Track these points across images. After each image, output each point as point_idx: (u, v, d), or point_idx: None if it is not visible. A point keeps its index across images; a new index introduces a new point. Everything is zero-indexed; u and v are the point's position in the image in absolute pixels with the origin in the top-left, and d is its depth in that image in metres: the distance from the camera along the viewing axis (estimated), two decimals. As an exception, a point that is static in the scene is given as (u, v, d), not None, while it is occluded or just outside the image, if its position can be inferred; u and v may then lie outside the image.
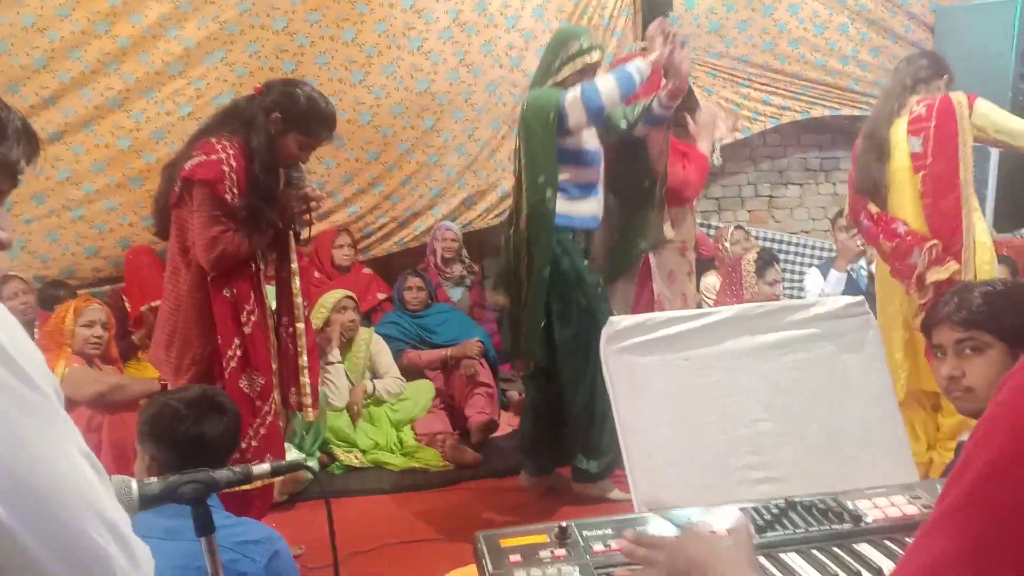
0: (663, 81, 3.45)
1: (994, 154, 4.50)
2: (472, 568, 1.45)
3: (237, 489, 1.46)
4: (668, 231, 3.69)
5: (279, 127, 2.63)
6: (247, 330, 2.62)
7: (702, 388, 1.88)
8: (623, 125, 3.46)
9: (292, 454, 3.48)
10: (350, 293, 4.38)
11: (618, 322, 1.93)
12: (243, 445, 2.56)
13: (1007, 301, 1.73)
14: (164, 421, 1.84)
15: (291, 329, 2.78)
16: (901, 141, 3.24)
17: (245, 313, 2.62)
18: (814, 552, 1.41)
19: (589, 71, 3.29)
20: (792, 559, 1.40)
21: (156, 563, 0.92)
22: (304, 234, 2.86)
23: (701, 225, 5.32)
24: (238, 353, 2.61)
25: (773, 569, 1.36)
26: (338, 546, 1.48)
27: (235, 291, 2.61)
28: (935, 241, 3.14)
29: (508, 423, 4.53)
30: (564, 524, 1.43)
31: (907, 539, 1.42)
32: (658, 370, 1.89)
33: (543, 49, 5.09)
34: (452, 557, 2.68)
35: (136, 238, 4.71)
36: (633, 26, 5.51)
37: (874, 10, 5.68)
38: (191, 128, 2.93)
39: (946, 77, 3.33)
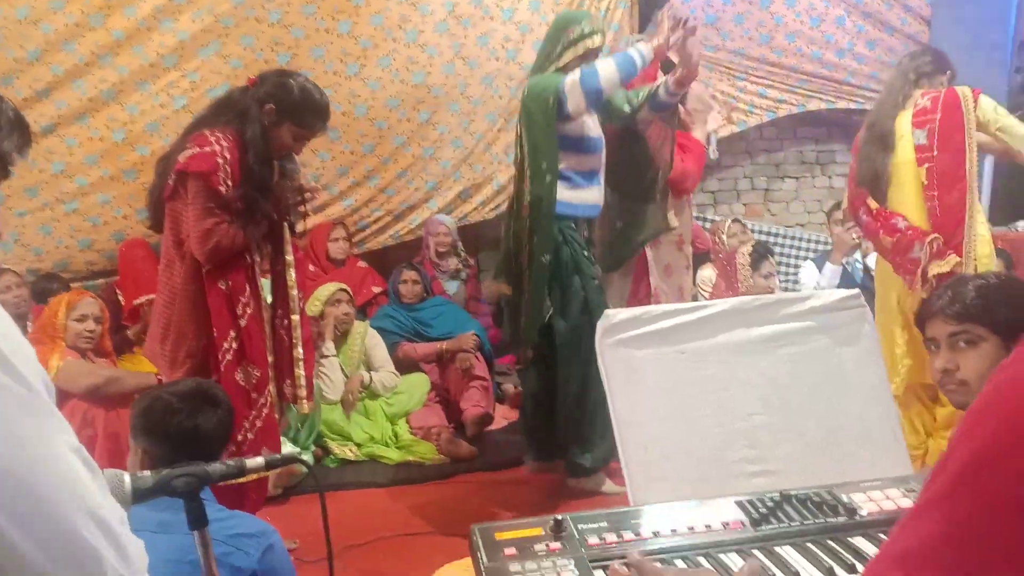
0: (658, 71, 3.44)
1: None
2: (467, 561, 1.45)
3: (231, 482, 1.46)
4: (672, 219, 3.68)
5: (273, 118, 2.62)
6: (243, 323, 2.61)
7: (698, 381, 1.88)
8: (626, 109, 3.43)
9: (287, 447, 3.48)
10: (344, 286, 4.38)
11: (614, 315, 1.92)
12: (239, 438, 2.56)
13: (1001, 294, 1.73)
14: (157, 414, 1.84)
15: (286, 321, 2.77)
16: (906, 134, 3.25)
17: (241, 305, 2.61)
18: (809, 545, 1.41)
19: (591, 56, 3.27)
20: (787, 552, 1.40)
21: (149, 557, 0.92)
22: (299, 226, 2.85)
23: (697, 218, 5.32)
24: (234, 346, 2.60)
25: (768, 562, 1.36)
26: (333, 539, 1.47)
27: (230, 283, 2.61)
28: (936, 235, 3.14)
29: (503, 416, 4.54)
30: (559, 517, 1.43)
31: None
32: (654, 363, 1.88)
33: (540, 42, 5.11)
34: (447, 550, 2.68)
35: (130, 231, 4.69)
36: (630, 19, 5.49)
37: (870, 3, 5.67)
38: (185, 121, 2.92)
39: (949, 73, 3.36)
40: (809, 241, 5.85)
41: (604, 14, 5.32)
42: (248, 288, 2.64)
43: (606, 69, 3.12)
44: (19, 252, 4.57)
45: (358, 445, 4.04)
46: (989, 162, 4.62)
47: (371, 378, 4.29)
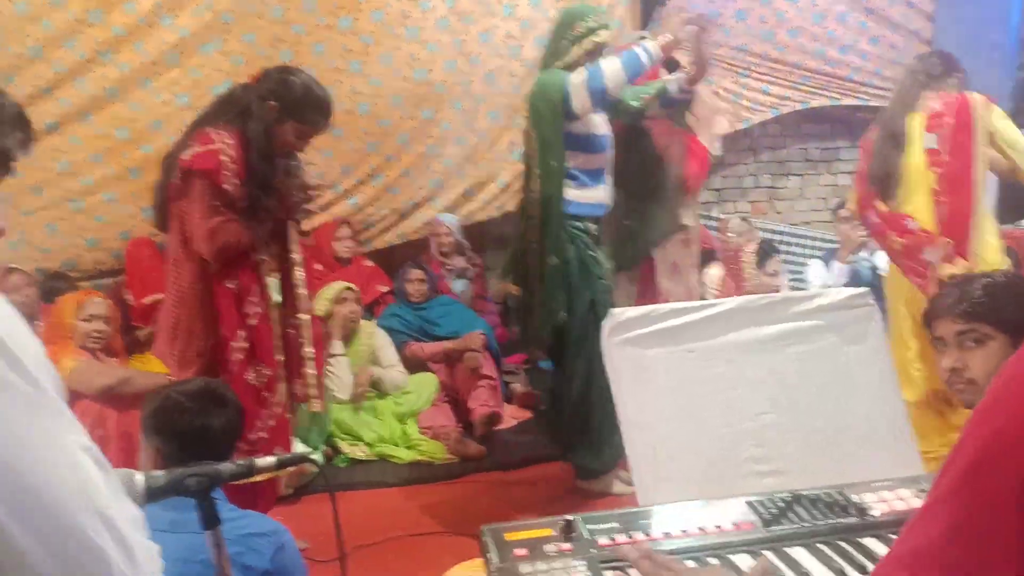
0: (660, 68, 3.43)
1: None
2: (478, 561, 1.45)
3: (244, 482, 1.46)
4: (685, 217, 3.68)
5: (275, 115, 2.62)
6: (252, 322, 2.62)
7: (706, 380, 1.88)
8: (636, 105, 3.40)
9: (297, 447, 3.48)
10: (351, 285, 4.38)
11: (620, 314, 1.92)
12: (252, 437, 2.56)
13: (1008, 293, 1.73)
14: (167, 413, 1.84)
15: (295, 320, 2.77)
16: (917, 136, 3.26)
17: (249, 305, 2.62)
18: (820, 546, 1.41)
19: (597, 51, 3.25)
20: (798, 553, 1.40)
21: (160, 555, 0.91)
22: (304, 225, 2.85)
23: (702, 217, 5.31)
24: (243, 345, 2.60)
25: (779, 563, 1.36)
26: (344, 539, 1.47)
27: (238, 283, 2.61)
28: (948, 240, 3.15)
29: (512, 415, 4.53)
30: (570, 518, 1.43)
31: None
32: (661, 362, 1.88)
33: (542, 37, 5.11)
34: (457, 550, 2.67)
35: (136, 229, 4.68)
36: (632, 15, 5.48)
37: (873, -1, 5.67)
38: (189, 118, 2.92)
39: (958, 75, 3.36)
40: (816, 239, 5.84)
41: (605, 10, 5.30)
42: (256, 287, 2.65)
43: (611, 68, 3.11)
44: (27, 251, 4.57)
45: (368, 445, 4.04)
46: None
47: (380, 373, 4.28)
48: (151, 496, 1.24)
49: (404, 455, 4.00)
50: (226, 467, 1.34)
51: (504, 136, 5.31)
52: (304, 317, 2.79)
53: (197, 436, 1.81)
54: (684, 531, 1.45)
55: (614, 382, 1.86)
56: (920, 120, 3.27)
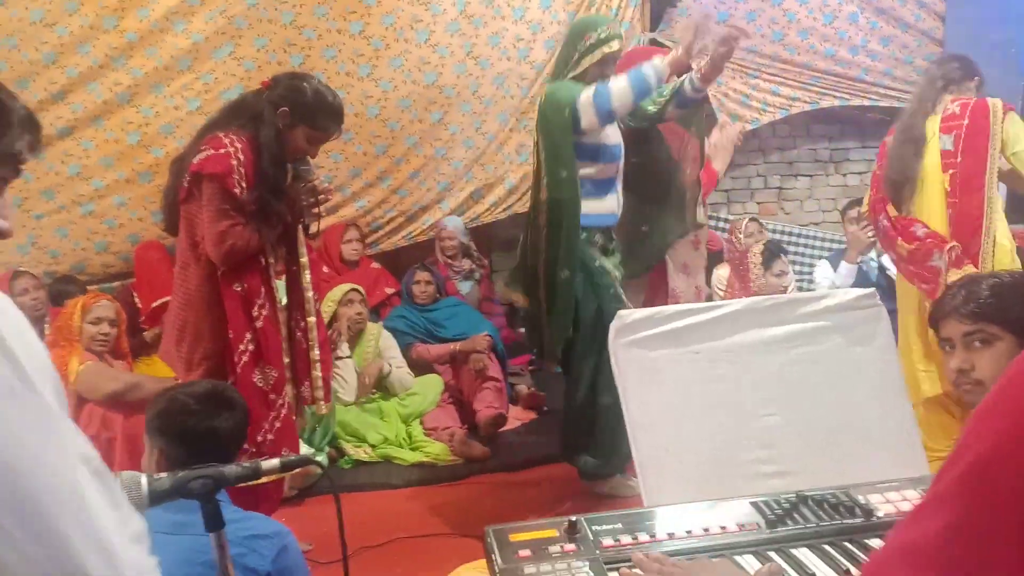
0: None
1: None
2: (482, 562, 1.45)
3: (248, 484, 1.46)
4: (701, 215, 3.68)
5: (287, 121, 2.63)
6: (259, 324, 2.62)
7: (712, 381, 1.88)
8: (652, 110, 3.38)
9: (302, 449, 3.49)
10: (357, 286, 4.39)
11: (627, 315, 1.92)
12: (259, 439, 2.57)
13: (1015, 293, 1.72)
14: (173, 415, 1.84)
15: (303, 323, 2.78)
16: (933, 138, 3.25)
17: (256, 307, 2.62)
18: (825, 547, 1.41)
19: (609, 61, 3.25)
20: (803, 554, 1.39)
21: (163, 558, 0.91)
22: (313, 228, 2.86)
23: (710, 218, 5.30)
24: (250, 347, 2.61)
25: (784, 564, 1.35)
26: (347, 541, 1.47)
27: (246, 285, 2.61)
28: (954, 243, 3.13)
29: (517, 417, 4.54)
30: (574, 518, 1.43)
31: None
32: (667, 364, 1.88)
33: (551, 40, 5.13)
34: (462, 551, 2.68)
35: (145, 233, 4.72)
36: (641, 16, 5.48)
37: (884, -1, 5.64)
38: (199, 123, 2.93)
39: (977, 79, 3.35)
40: (824, 240, 5.82)
41: (615, 12, 5.30)
42: (263, 290, 2.65)
43: (619, 89, 3.10)
44: (36, 255, 4.61)
45: (372, 446, 4.05)
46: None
47: (390, 368, 4.29)
48: (156, 499, 1.24)
49: (409, 456, 4.01)
50: (231, 469, 1.34)
51: (512, 139, 5.31)
52: (311, 320, 2.79)
53: (203, 438, 1.81)
54: (689, 532, 1.44)
55: (620, 383, 1.86)
56: (936, 122, 3.26)
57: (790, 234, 5.81)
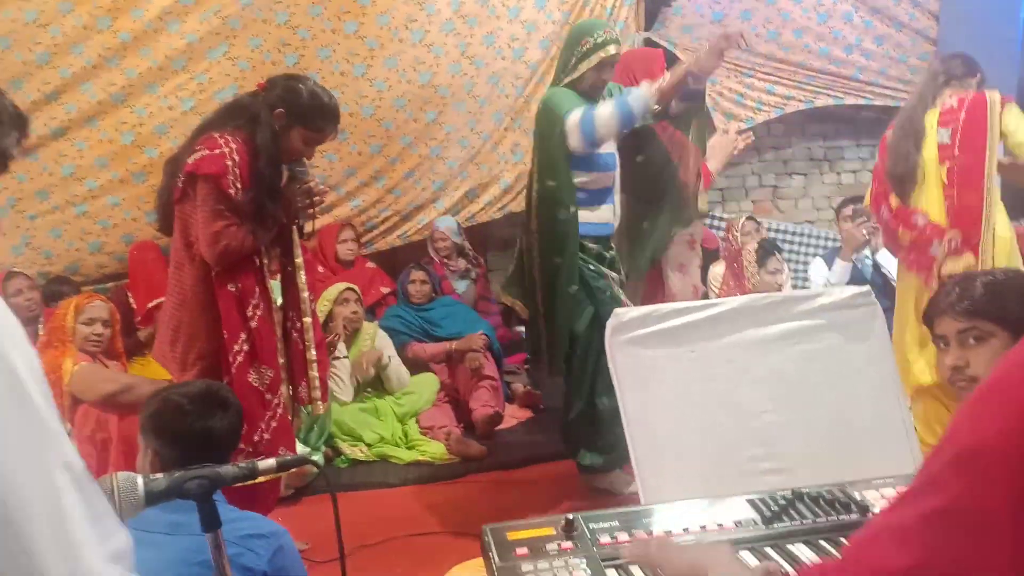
0: (664, 69, 3.42)
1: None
2: (479, 561, 1.45)
3: (245, 484, 1.46)
4: (703, 204, 3.68)
5: (283, 122, 2.62)
6: (253, 324, 2.61)
7: (708, 380, 1.88)
8: (655, 109, 3.36)
9: (298, 448, 3.48)
10: (352, 285, 4.38)
11: (623, 314, 1.92)
12: (255, 439, 2.56)
13: (1009, 289, 1.72)
14: (167, 416, 1.84)
15: (298, 324, 2.77)
16: (931, 132, 3.27)
17: (250, 307, 2.62)
18: (822, 543, 1.41)
19: (606, 66, 3.26)
20: (800, 550, 1.40)
21: (159, 558, 0.91)
22: (307, 228, 2.85)
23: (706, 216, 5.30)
24: (245, 347, 2.60)
25: (781, 560, 1.35)
26: (344, 540, 1.47)
27: (240, 286, 2.61)
28: (954, 232, 3.14)
29: (513, 416, 4.54)
30: (571, 516, 1.43)
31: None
32: (664, 362, 1.88)
33: (546, 40, 5.13)
34: (459, 550, 2.68)
35: (140, 233, 4.71)
36: (636, 16, 5.48)
37: (878, -2, 5.65)
38: (193, 123, 2.93)
39: (979, 76, 3.37)
40: (818, 238, 5.82)
41: (610, 12, 5.31)
42: (258, 290, 2.64)
43: (604, 117, 3.10)
44: (30, 255, 4.60)
45: (368, 445, 4.05)
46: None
47: (389, 360, 4.29)
48: (152, 500, 1.24)
49: (405, 455, 4.01)
50: (228, 470, 1.33)
51: (507, 138, 5.31)
52: (307, 320, 2.79)
53: (198, 439, 1.81)
54: (686, 529, 1.45)
55: (617, 382, 1.87)
56: (935, 116, 3.28)
57: (785, 232, 5.82)
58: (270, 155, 2.61)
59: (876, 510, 1.48)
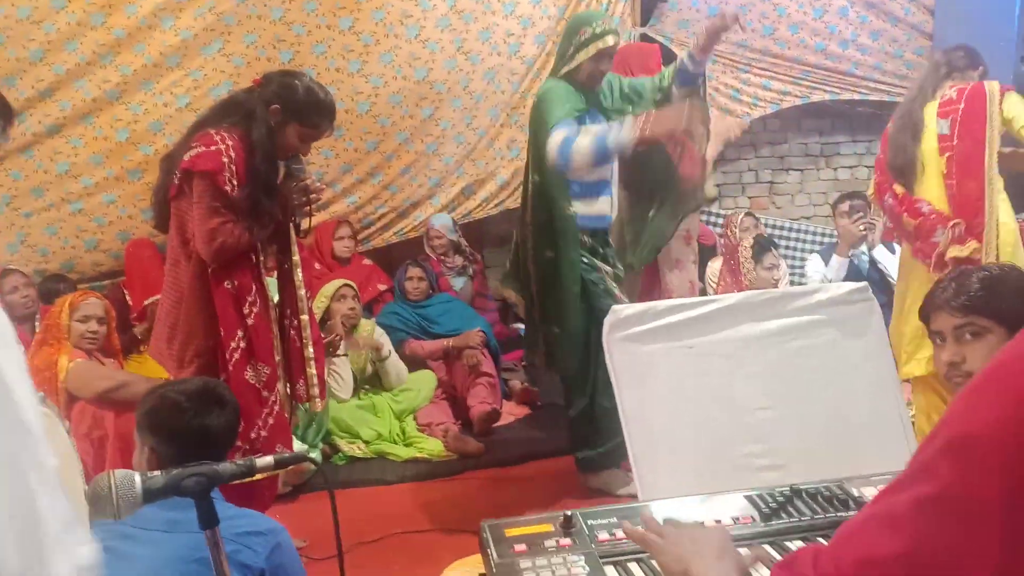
0: (660, 64, 3.43)
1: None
2: (477, 557, 1.45)
3: (242, 481, 1.45)
4: (711, 189, 3.68)
5: (279, 119, 2.62)
6: (250, 321, 2.61)
7: (705, 376, 1.88)
8: (658, 96, 3.39)
9: (295, 445, 3.48)
10: (349, 282, 4.38)
11: (621, 310, 1.92)
12: (252, 436, 2.56)
13: (1005, 285, 1.73)
14: (164, 413, 1.83)
15: (295, 321, 2.77)
16: (930, 123, 3.27)
17: (247, 305, 2.61)
18: (819, 540, 1.41)
19: (604, 56, 3.25)
20: (797, 547, 1.39)
21: (157, 555, 0.90)
22: (304, 225, 2.85)
23: (702, 212, 5.30)
24: (242, 345, 2.60)
25: (778, 557, 1.35)
26: (342, 537, 1.47)
27: (236, 283, 2.60)
28: (958, 220, 3.15)
29: (510, 413, 4.54)
30: (569, 513, 1.43)
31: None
32: (661, 358, 1.88)
33: (541, 35, 5.13)
34: (457, 547, 2.68)
35: (135, 231, 4.70)
36: (632, 11, 5.47)
37: (873, -7, 5.65)
38: (189, 119, 2.92)
39: (981, 68, 3.38)
40: (815, 234, 5.83)
41: (606, 7, 5.30)
42: (254, 287, 2.64)
43: (581, 148, 3.06)
44: (25, 253, 4.58)
45: (366, 442, 4.05)
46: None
47: (389, 352, 4.28)
48: (150, 497, 1.24)
49: (402, 452, 4.01)
50: (226, 467, 1.33)
51: (503, 134, 5.31)
52: (304, 318, 2.78)
53: (195, 436, 1.80)
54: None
55: (615, 378, 1.87)
56: (934, 107, 3.29)
57: (781, 228, 5.82)
58: (266, 151, 2.60)
59: (874, 506, 1.49)
